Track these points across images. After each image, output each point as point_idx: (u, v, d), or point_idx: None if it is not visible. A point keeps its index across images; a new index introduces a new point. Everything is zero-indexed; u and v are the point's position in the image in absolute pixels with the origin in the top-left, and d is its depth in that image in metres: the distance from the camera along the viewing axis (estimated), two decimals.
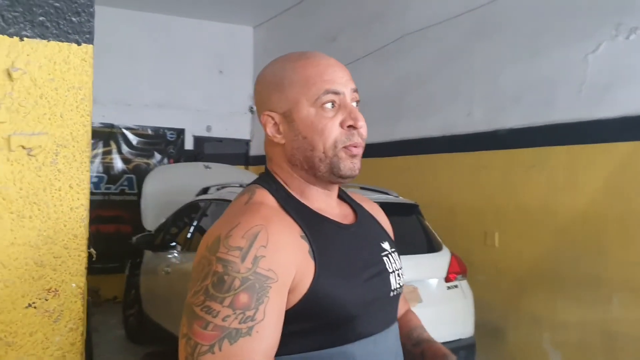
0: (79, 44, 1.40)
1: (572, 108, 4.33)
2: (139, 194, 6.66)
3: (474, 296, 4.16)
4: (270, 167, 1.17)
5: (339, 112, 1.09)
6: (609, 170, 4.08)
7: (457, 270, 4.08)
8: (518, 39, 4.78)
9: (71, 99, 1.40)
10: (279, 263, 0.95)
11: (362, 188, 4.72)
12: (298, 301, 0.98)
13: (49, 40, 1.35)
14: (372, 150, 6.23)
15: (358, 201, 1.32)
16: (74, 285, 1.40)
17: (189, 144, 8.45)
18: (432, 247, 4.18)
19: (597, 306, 4.09)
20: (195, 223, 4.98)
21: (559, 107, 4.43)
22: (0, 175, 1.32)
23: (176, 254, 5.04)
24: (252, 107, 8.87)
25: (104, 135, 7.85)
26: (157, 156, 8.17)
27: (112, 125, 7.87)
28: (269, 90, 1.10)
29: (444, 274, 4.02)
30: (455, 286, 4.05)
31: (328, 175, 1.09)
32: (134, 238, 5.44)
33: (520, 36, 4.76)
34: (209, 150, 8.62)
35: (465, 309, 4.05)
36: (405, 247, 4.01)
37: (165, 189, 6.23)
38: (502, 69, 4.90)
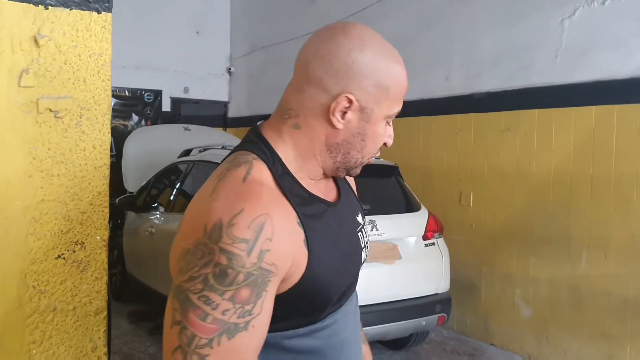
0: (99, 12, 1.47)
1: (548, 72, 4.48)
2: (117, 156, 6.67)
3: (450, 254, 4.36)
4: (269, 132, 1.06)
5: (388, 128, 1.09)
6: (581, 133, 4.27)
7: (434, 229, 4.26)
8: (496, 5, 4.88)
9: (93, 64, 1.48)
10: (280, 256, 0.92)
11: None
12: (287, 289, 0.97)
13: (71, 9, 1.42)
14: None
15: None
16: (98, 238, 1.50)
17: (166, 106, 8.43)
18: (410, 207, 4.34)
19: (566, 263, 4.34)
20: (178, 185, 5.06)
21: (535, 72, 4.58)
22: (30, 137, 1.40)
23: (159, 215, 5.12)
24: (229, 69, 8.85)
25: None
26: (135, 118, 8.15)
27: None
28: (363, 77, 1.00)
29: (421, 232, 4.20)
30: (433, 244, 4.24)
31: (342, 171, 1.09)
32: (117, 200, 5.49)
33: (499, 2, 4.86)
34: (187, 112, 8.61)
35: (442, 265, 4.24)
36: (385, 207, 4.22)
37: (146, 150, 6.26)
38: (480, 33, 5.01)
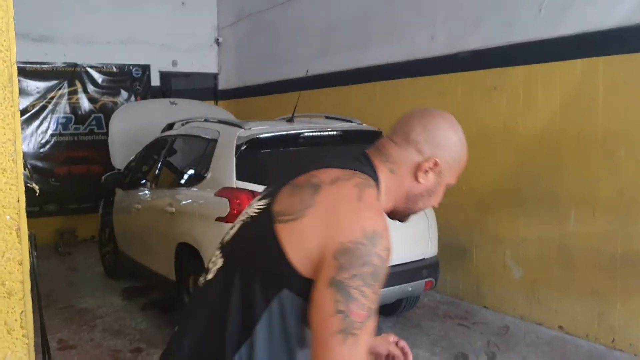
0: None
1: (531, 28, 4.33)
2: (107, 134, 6.61)
3: (440, 218, 4.29)
4: (382, 167, 1.31)
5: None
6: (567, 87, 4.14)
7: None
8: None
9: None
10: None
11: (326, 117, 4.75)
12: None
13: None
14: (338, 79, 6.25)
15: None
16: (8, 217, 1.44)
17: (155, 80, 8.32)
18: None
19: (555, 222, 4.26)
20: (162, 159, 5.00)
21: (519, 28, 4.43)
22: None
23: (146, 191, 5.08)
24: (217, 39, 8.70)
25: (68, 74, 7.68)
26: (124, 94, 8.05)
27: (75, 65, 7.70)
28: (448, 150, 1.32)
29: None
30: None
31: (404, 216, 1.39)
32: (103, 177, 5.45)
33: None
34: (177, 85, 8.51)
35: (428, 230, 4.19)
36: None
37: (132, 127, 6.19)
38: None
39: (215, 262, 1.28)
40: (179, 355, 1.25)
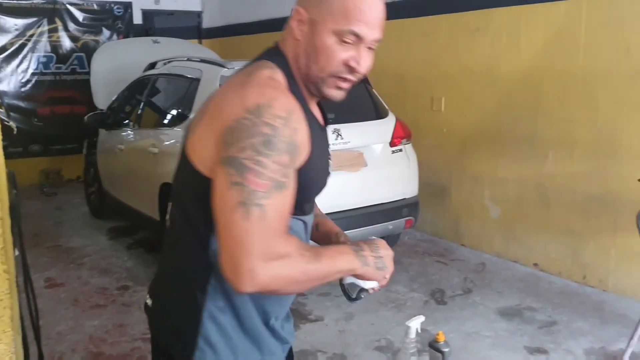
0: None
1: None
2: (90, 73, 6.50)
3: (422, 159, 4.35)
4: (284, 47, 1.23)
5: (350, 49, 1.16)
6: (550, 29, 4.13)
7: (401, 135, 4.23)
8: None
9: None
10: (304, 138, 1.11)
11: None
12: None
13: None
14: None
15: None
16: None
17: (137, 19, 8.12)
18: (378, 114, 4.28)
19: (533, 163, 4.34)
20: (144, 99, 4.97)
21: None
22: None
23: (129, 131, 5.07)
24: None
25: (47, 11, 7.48)
26: (106, 32, 7.88)
27: (54, 1, 7.49)
28: None
29: (388, 139, 4.17)
30: (400, 150, 4.22)
31: (313, 89, 1.21)
32: (86, 117, 5.42)
33: None
34: (160, 24, 8.31)
35: (409, 171, 4.24)
36: (352, 115, 4.16)
37: (114, 66, 6.10)
38: None
39: None
40: (154, 288, 1.33)
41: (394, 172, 4.17)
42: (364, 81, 4.37)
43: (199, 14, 8.68)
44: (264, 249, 1.02)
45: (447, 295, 4.01)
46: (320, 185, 1.28)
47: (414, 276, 4.32)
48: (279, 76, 1.17)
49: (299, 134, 1.09)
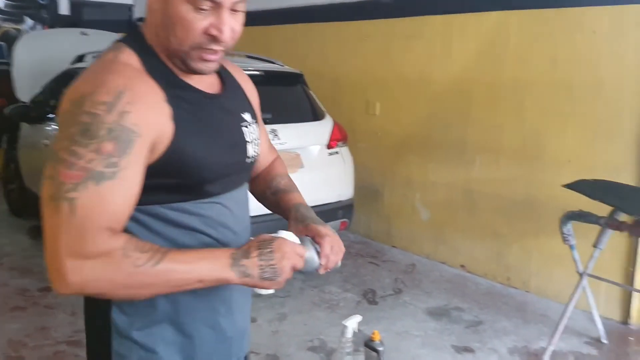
0: None
1: None
2: (11, 63, 6.18)
3: (356, 162, 4.40)
4: (143, 27, 1.15)
5: (209, 16, 1.05)
6: (481, 38, 4.29)
7: (338, 138, 4.26)
8: None
9: None
10: (143, 120, 1.00)
11: (248, 57, 4.67)
12: (156, 160, 1.05)
13: None
14: (261, 18, 6.12)
15: (230, 69, 1.34)
16: None
17: (64, 9, 7.80)
18: (315, 115, 4.30)
19: (462, 168, 4.48)
20: None
21: None
22: None
23: (54, 126, 4.85)
24: None
25: None
26: (29, 22, 7.54)
27: None
28: None
29: (325, 141, 4.19)
30: (336, 152, 4.25)
31: (180, 64, 1.11)
32: (7, 109, 5.14)
33: None
34: (89, 16, 8.03)
35: (345, 173, 4.29)
36: (288, 115, 4.15)
37: (39, 57, 5.82)
38: None
39: None
40: None
41: (330, 174, 4.19)
42: (301, 82, 4.38)
43: (129, 7, 8.42)
44: (74, 246, 0.94)
45: (378, 295, 4.07)
46: (218, 160, 1.15)
47: (347, 277, 4.37)
48: (126, 56, 1.07)
49: (132, 115, 0.99)
